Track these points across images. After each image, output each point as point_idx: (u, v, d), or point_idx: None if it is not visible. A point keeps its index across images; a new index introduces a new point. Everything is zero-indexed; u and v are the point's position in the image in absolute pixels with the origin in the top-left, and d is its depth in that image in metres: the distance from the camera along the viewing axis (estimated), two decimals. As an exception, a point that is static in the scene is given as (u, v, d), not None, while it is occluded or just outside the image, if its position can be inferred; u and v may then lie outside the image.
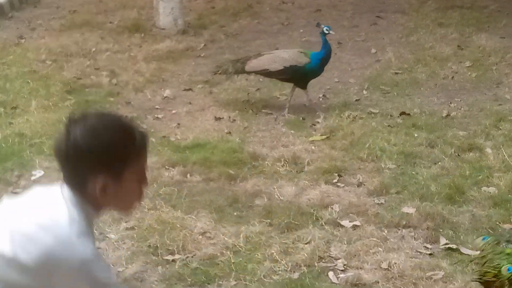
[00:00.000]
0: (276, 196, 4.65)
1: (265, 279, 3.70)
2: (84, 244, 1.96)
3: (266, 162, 5.17)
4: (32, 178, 4.87)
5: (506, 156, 5.13)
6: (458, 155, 5.25)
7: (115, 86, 6.99)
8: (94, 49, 8.17)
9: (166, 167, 5.07)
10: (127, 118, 2.14)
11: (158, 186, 4.72)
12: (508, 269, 3.09)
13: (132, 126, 2.10)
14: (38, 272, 1.97)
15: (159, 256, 3.88)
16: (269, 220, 4.30)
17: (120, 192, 2.07)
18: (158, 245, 3.96)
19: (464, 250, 3.98)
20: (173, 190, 4.69)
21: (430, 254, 3.97)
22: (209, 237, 4.10)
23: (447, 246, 4.03)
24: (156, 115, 6.24)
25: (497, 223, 4.27)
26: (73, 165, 2.03)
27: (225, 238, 4.07)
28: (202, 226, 4.19)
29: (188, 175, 4.97)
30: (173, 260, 3.84)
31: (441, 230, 4.19)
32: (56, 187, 2.08)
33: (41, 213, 2.00)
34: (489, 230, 4.16)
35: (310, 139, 5.63)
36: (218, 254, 3.92)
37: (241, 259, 3.88)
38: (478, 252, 3.34)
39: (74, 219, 1.99)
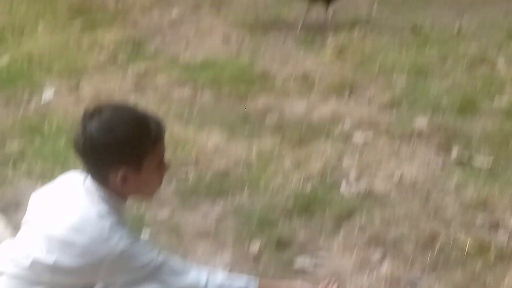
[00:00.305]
0: (287, 113, 4.64)
1: (277, 192, 3.73)
2: (119, 234, 2.01)
3: (276, 80, 5.15)
4: (42, 101, 4.88)
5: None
6: (470, 68, 5.20)
7: (122, 7, 6.90)
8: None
9: (176, 86, 5.06)
10: (142, 109, 2.14)
11: (168, 104, 4.71)
12: None
13: (147, 118, 2.10)
14: (83, 271, 2.02)
15: (173, 172, 3.90)
16: (280, 136, 4.31)
17: (140, 181, 2.10)
18: (171, 161, 3.96)
19: (475, 161, 4.00)
20: (184, 108, 4.69)
21: (442, 165, 3.98)
22: (222, 152, 4.11)
23: (458, 157, 4.05)
24: (164, 36, 6.18)
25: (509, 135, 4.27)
26: (91, 159, 2.06)
27: (238, 153, 4.09)
28: (214, 141, 4.20)
29: (198, 94, 4.96)
30: (187, 175, 3.87)
31: (452, 142, 4.19)
32: (79, 179, 2.13)
33: (71, 214, 2.04)
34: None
35: (321, 56, 5.58)
36: (231, 169, 3.94)
37: (253, 173, 3.91)
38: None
39: (103, 213, 2.03)
